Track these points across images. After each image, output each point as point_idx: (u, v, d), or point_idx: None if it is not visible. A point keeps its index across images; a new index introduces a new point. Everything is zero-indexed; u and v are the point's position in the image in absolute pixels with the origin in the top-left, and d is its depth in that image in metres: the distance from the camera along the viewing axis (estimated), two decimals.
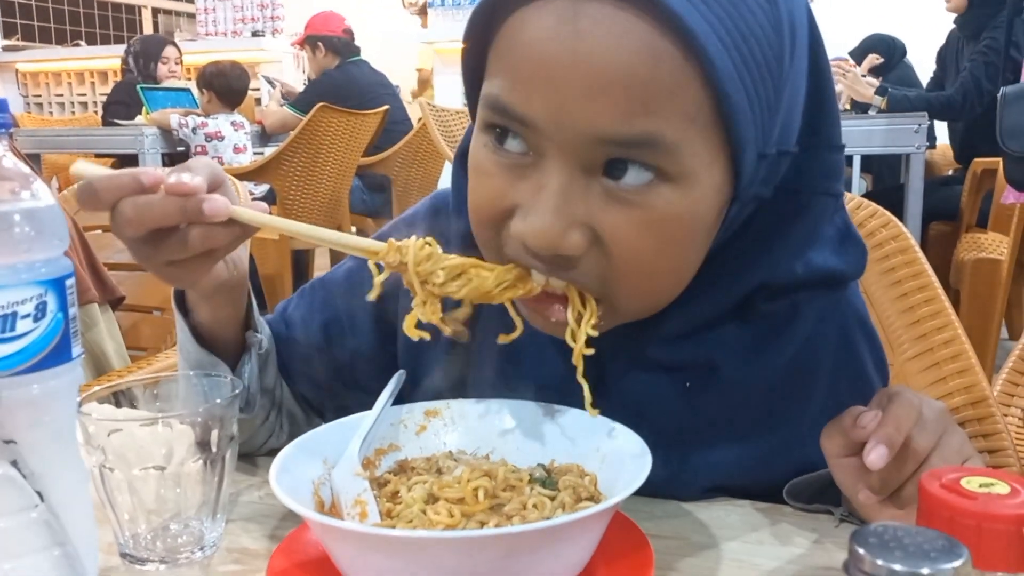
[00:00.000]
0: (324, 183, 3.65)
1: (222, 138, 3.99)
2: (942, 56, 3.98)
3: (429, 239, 0.56)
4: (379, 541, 0.47)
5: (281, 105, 4.75)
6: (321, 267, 4.22)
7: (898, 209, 2.57)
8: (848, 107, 3.73)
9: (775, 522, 0.63)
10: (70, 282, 0.48)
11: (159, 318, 1.73)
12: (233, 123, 4.07)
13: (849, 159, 3.22)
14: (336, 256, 3.96)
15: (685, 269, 0.59)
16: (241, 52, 6.21)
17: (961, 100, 3.31)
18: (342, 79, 4.28)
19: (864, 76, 4.95)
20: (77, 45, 7.98)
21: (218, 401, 0.61)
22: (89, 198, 0.57)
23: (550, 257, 0.55)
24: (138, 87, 4.44)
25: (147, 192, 0.57)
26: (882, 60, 4.89)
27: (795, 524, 0.63)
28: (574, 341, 0.58)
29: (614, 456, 0.58)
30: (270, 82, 5.53)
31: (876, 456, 0.54)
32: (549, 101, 0.52)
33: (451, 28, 5.36)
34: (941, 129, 4.26)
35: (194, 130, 3.94)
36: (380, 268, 0.76)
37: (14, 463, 0.46)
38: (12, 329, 0.46)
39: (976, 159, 3.06)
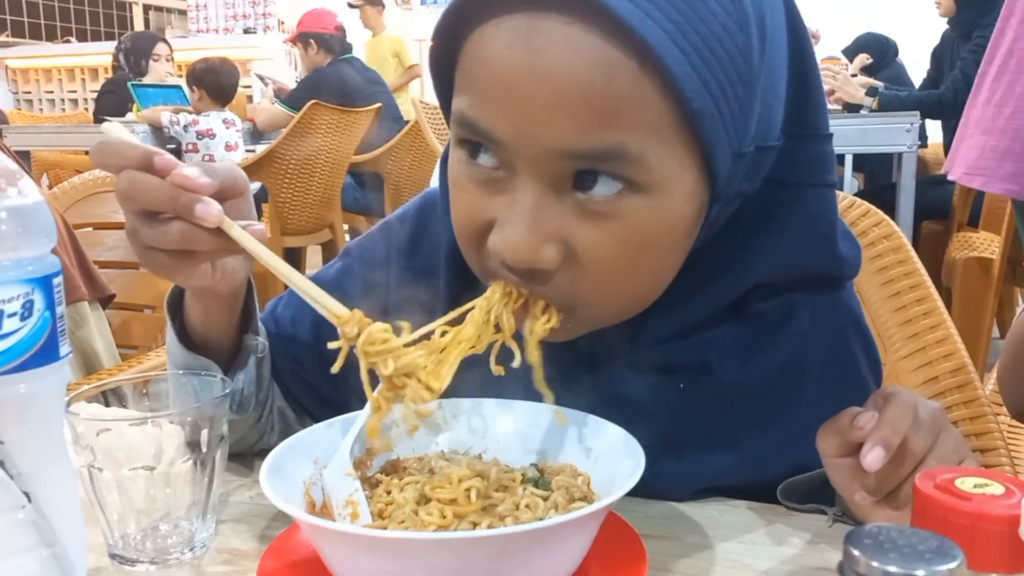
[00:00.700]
0: (316, 180, 3.64)
1: (213, 136, 3.97)
2: (937, 55, 3.99)
3: (386, 327, 0.55)
4: (370, 542, 0.46)
5: (273, 102, 4.74)
6: (313, 264, 4.21)
7: (890, 208, 2.58)
8: (840, 107, 3.74)
9: (769, 522, 0.63)
10: (57, 280, 0.48)
11: (150, 316, 1.72)
12: (224, 120, 4.06)
13: (841, 158, 3.24)
14: (328, 255, 3.96)
15: (661, 275, 0.59)
16: (233, 49, 6.18)
17: (952, 98, 3.31)
18: (334, 76, 4.27)
19: (855, 75, 4.96)
20: (67, 42, 7.95)
21: (208, 401, 0.60)
22: (99, 156, 0.58)
23: (525, 271, 0.55)
24: (129, 84, 4.42)
25: (154, 173, 0.57)
26: (871, 60, 4.90)
27: (789, 524, 0.63)
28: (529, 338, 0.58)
29: (607, 456, 0.58)
30: (262, 79, 5.52)
31: (873, 457, 0.54)
32: (511, 118, 0.52)
33: None
34: (932, 129, 4.27)
35: (185, 127, 3.92)
36: (369, 272, 0.76)
37: (1, 463, 0.45)
38: None
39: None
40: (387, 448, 0.61)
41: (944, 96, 3.35)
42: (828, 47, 5.21)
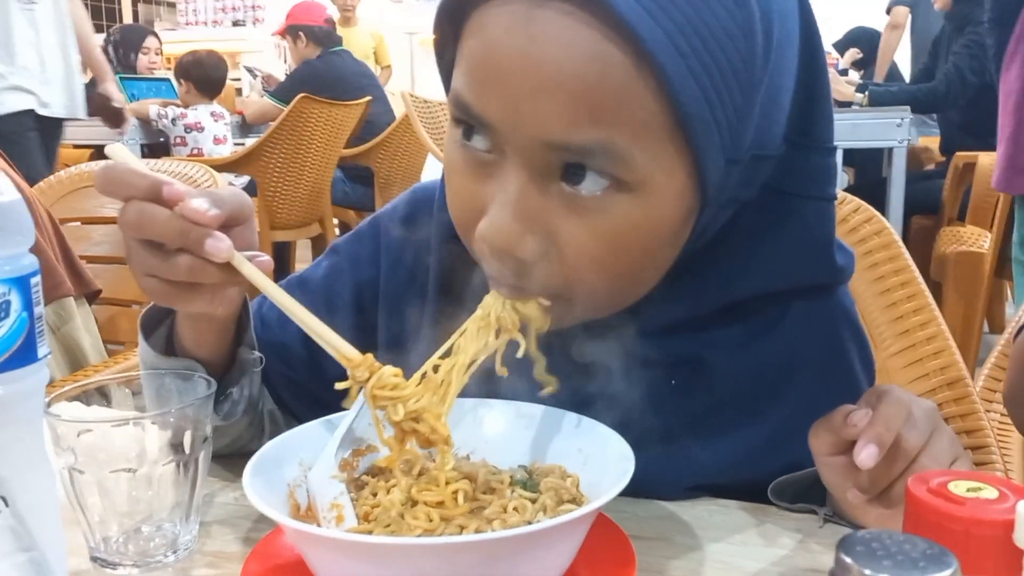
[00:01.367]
0: (306, 174, 3.62)
1: (202, 129, 3.95)
2: (936, 46, 3.99)
3: (397, 371, 0.54)
4: (355, 547, 0.46)
5: (262, 95, 4.71)
6: (303, 260, 4.20)
7: (880, 203, 2.58)
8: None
9: (759, 522, 0.63)
10: (35, 280, 0.47)
11: (136, 312, 1.70)
12: (213, 113, 4.04)
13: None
14: (318, 249, 3.94)
15: (645, 273, 0.58)
16: (222, 42, 6.15)
17: (945, 91, 3.32)
18: (324, 69, 4.24)
19: (847, 71, 4.97)
20: None
21: (191, 402, 0.59)
22: (105, 183, 0.57)
23: (507, 260, 0.54)
24: (117, 77, 4.38)
25: (162, 203, 0.55)
26: (862, 54, 4.91)
27: (779, 524, 0.62)
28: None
29: (597, 457, 0.57)
30: (251, 72, 5.48)
31: (866, 455, 0.53)
32: (502, 103, 0.52)
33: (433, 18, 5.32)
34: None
35: (173, 121, 3.90)
36: (357, 270, 0.76)
37: None
38: None
39: (958, 153, 3.08)
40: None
41: (936, 89, 3.36)
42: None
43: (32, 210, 1.33)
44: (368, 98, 3.92)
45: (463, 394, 0.60)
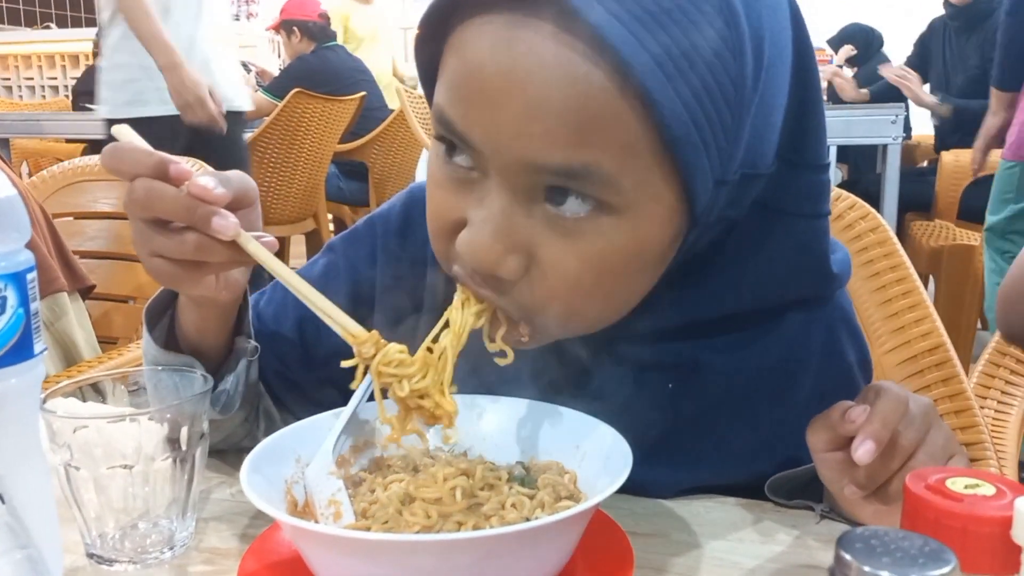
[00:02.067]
0: (300, 170, 3.61)
1: None
2: (925, 43, 3.98)
3: (403, 348, 0.54)
4: (353, 544, 0.46)
5: (256, 90, 4.69)
6: (297, 254, 4.18)
7: (874, 199, 2.58)
8: (824, 97, 3.74)
9: (756, 519, 0.63)
10: (31, 276, 0.47)
11: (131, 307, 1.70)
12: None
13: None
14: (312, 245, 3.93)
15: (627, 296, 0.58)
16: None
17: None
18: (318, 64, 4.23)
19: (841, 67, 4.97)
20: (47, 27, 7.85)
21: (188, 397, 0.59)
22: (112, 161, 0.57)
23: (487, 278, 0.54)
24: None
25: (169, 181, 0.56)
26: (856, 51, 4.90)
27: (776, 521, 0.62)
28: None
29: (594, 453, 0.57)
30: (245, 67, 5.46)
31: (864, 451, 0.53)
32: (485, 123, 0.51)
33: None
34: (916, 120, 4.28)
35: None
36: (353, 270, 0.76)
37: None
38: None
39: (953, 149, 3.08)
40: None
41: None
42: (813, 38, 5.21)
43: (26, 205, 1.32)
44: (362, 93, 3.91)
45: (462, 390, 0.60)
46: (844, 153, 3.96)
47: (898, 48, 4.80)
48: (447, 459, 0.59)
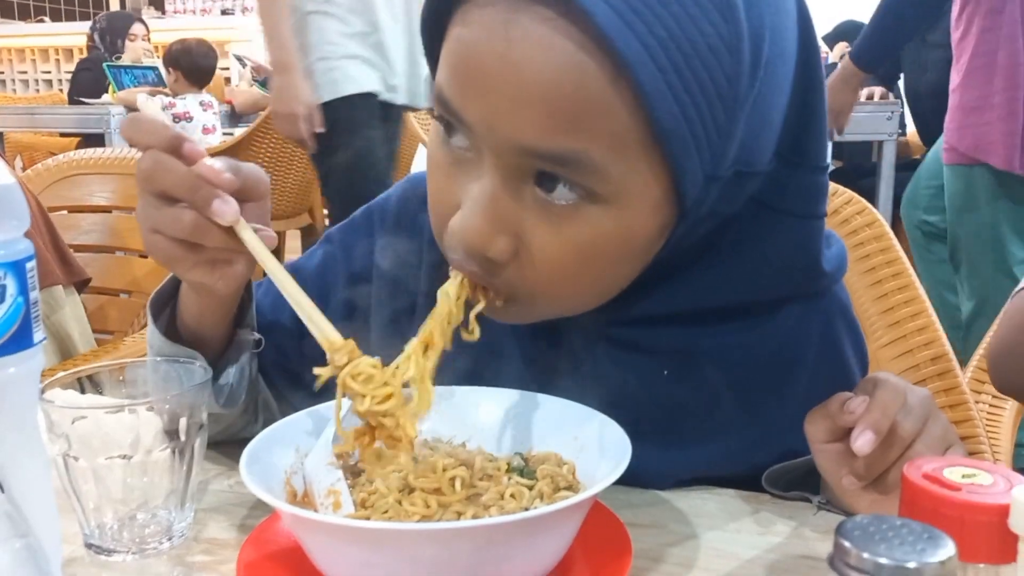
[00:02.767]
0: (295, 164, 3.61)
1: (191, 118, 3.92)
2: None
3: (376, 363, 0.54)
4: (353, 533, 0.46)
5: (251, 84, 4.68)
6: (293, 250, 4.18)
7: (869, 195, 2.59)
8: None
9: (753, 510, 0.63)
10: (31, 265, 0.46)
11: (126, 301, 1.70)
12: (202, 103, 4.01)
13: None
14: (308, 239, 3.92)
15: (613, 281, 0.59)
16: (211, 30, 6.10)
17: None
18: None
19: (835, 63, 4.97)
20: (41, 21, 7.82)
21: (187, 388, 0.59)
22: (130, 130, 0.57)
23: (478, 259, 0.55)
24: (104, 65, 4.35)
25: (181, 158, 0.56)
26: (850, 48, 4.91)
27: (773, 512, 0.63)
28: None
29: (593, 444, 0.57)
30: (240, 60, 5.45)
31: (863, 441, 0.54)
32: (479, 105, 0.52)
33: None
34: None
35: (162, 109, 3.87)
36: (350, 260, 0.76)
37: None
38: None
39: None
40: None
41: None
42: None
43: None
44: None
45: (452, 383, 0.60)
46: (838, 148, 3.96)
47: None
48: (446, 450, 0.59)
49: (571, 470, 0.57)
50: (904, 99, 3.66)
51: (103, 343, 1.56)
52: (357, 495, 0.54)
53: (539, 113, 0.50)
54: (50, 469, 0.53)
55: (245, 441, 0.54)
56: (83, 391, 0.61)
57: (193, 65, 4.01)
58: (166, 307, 0.68)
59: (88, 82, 4.65)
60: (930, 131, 3.42)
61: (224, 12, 7.02)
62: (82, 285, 1.51)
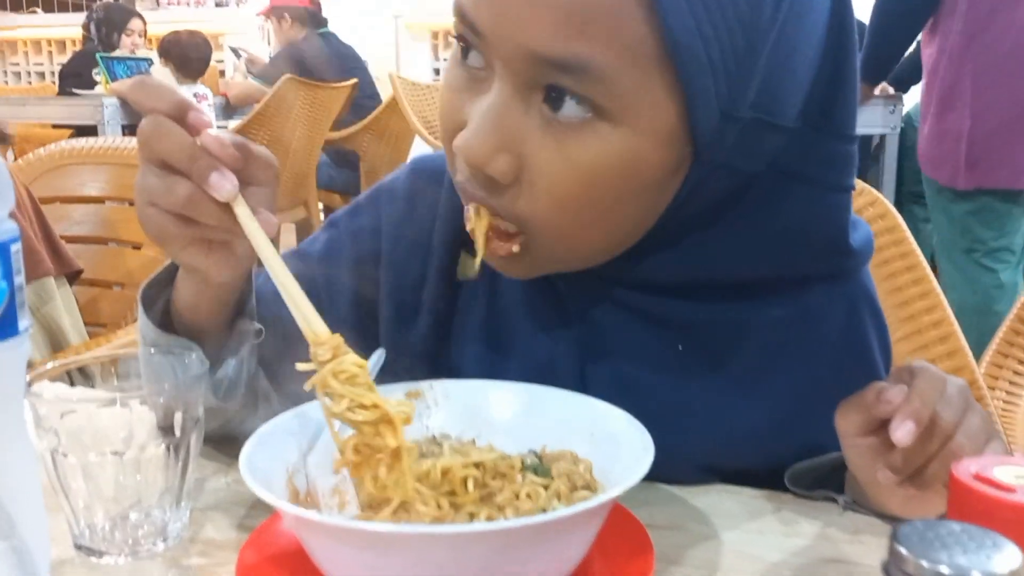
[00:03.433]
0: (291, 157, 3.58)
1: None
2: None
3: (362, 363, 0.51)
4: (361, 536, 0.43)
5: (246, 77, 4.64)
6: (288, 244, 4.14)
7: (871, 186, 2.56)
8: None
9: (776, 510, 0.60)
10: (16, 247, 0.43)
11: (119, 293, 1.67)
12: (196, 95, 3.97)
13: None
14: (303, 233, 3.89)
15: (620, 223, 0.57)
16: (205, 22, 6.06)
17: None
18: (309, 51, 4.18)
19: None
20: (33, 12, 7.75)
21: (183, 380, 0.56)
22: (136, 91, 0.55)
23: (481, 179, 0.54)
24: (98, 56, 4.30)
25: (185, 127, 0.54)
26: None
27: (797, 511, 0.60)
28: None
29: (609, 440, 0.55)
30: (235, 53, 5.40)
31: (904, 432, 0.51)
32: (493, 9, 0.52)
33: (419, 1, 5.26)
34: None
35: None
36: (358, 243, 0.73)
37: None
38: None
39: None
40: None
41: None
42: None
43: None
44: (354, 80, 3.87)
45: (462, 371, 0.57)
46: None
47: None
48: (455, 446, 0.56)
49: (588, 468, 0.54)
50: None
51: (95, 336, 1.53)
52: (363, 494, 0.51)
53: (549, 17, 0.49)
54: (37, 466, 0.50)
55: (242, 436, 0.52)
56: (72, 383, 0.58)
57: (183, 56, 3.98)
58: (158, 298, 0.65)
59: (81, 72, 4.59)
60: None
61: (218, 4, 6.97)
62: (74, 277, 1.49)
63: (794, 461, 0.63)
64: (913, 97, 3.35)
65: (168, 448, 0.55)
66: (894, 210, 1.08)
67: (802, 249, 0.61)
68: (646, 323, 0.63)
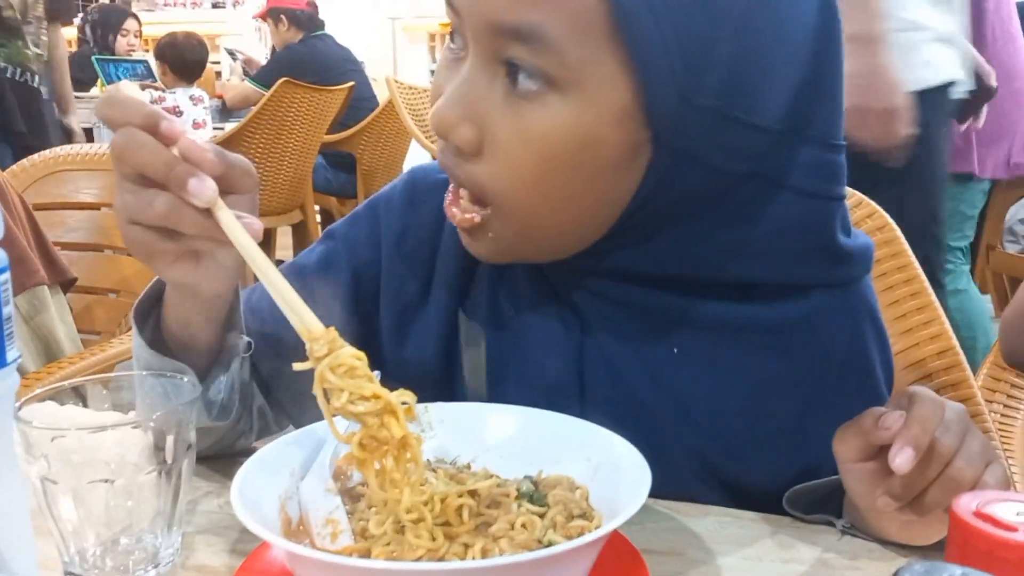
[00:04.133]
0: (287, 160, 3.57)
1: (180, 113, 3.88)
2: None
3: (360, 355, 0.50)
4: (354, 573, 0.42)
5: (243, 79, 4.63)
6: (284, 247, 4.13)
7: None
8: None
9: (774, 534, 0.60)
10: (3, 277, 0.43)
11: (113, 301, 1.66)
12: (192, 97, 3.96)
13: None
14: (299, 236, 3.88)
15: (583, 205, 0.58)
16: (201, 24, 6.05)
17: None
18: (306, 53, 4.18)
19: None
20: None
21: (175, 406, 0.55)
22: (105, 107, 0.55)
23: (451, 148, 0.58)
24: (93, 59, 4.29)
25: (158, 137, 0.53)
26: None
27: (795, 536, 0.59)
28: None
29: (607, 466, 0.54)
30: (232, 55, 5.40)
31: (904, 459, 0.50)
32: None
33: (416, 3, 5.25)
34: None
35: (150, 103, 3.82)
36: (356, 253, 0.73)
37: None
38: None
39: None
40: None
41: None
42: None
43: (4, 196, 1.28)
44: (351, 83, 3.86)
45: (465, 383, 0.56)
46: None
47: None
48: (450, 472, 0.55)
49: (584, 495, 0.53)
50: None
51: (90, 344, 1.52)
52: (356, 524, 0.51)
53: None
54: (26, 491, 0.49)
55: (237, 456, 0.51)
56: (63, 403, 0.57)
57: (179, 58, 3.97)
58: (150, 315, 0.65)
59: (75, 74, 4.58)
60: None
61: (215, 5, 6.96)
62: (68, 284, 1.47)
63: (793, 477, 0.62)
64: None
65: (160, 473, 0.54)
66: (892, 222, 1.07)
67: (791, 254, 0.61)
68: (641, 330, 0.64)
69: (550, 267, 0.65)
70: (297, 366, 0.50)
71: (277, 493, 0.52)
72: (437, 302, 0.69)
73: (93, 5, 5.44)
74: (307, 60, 4.11)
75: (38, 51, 2.81)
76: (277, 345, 0.70)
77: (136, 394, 0.59)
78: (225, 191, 0.54)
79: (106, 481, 0.52)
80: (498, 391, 0.66)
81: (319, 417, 0.56)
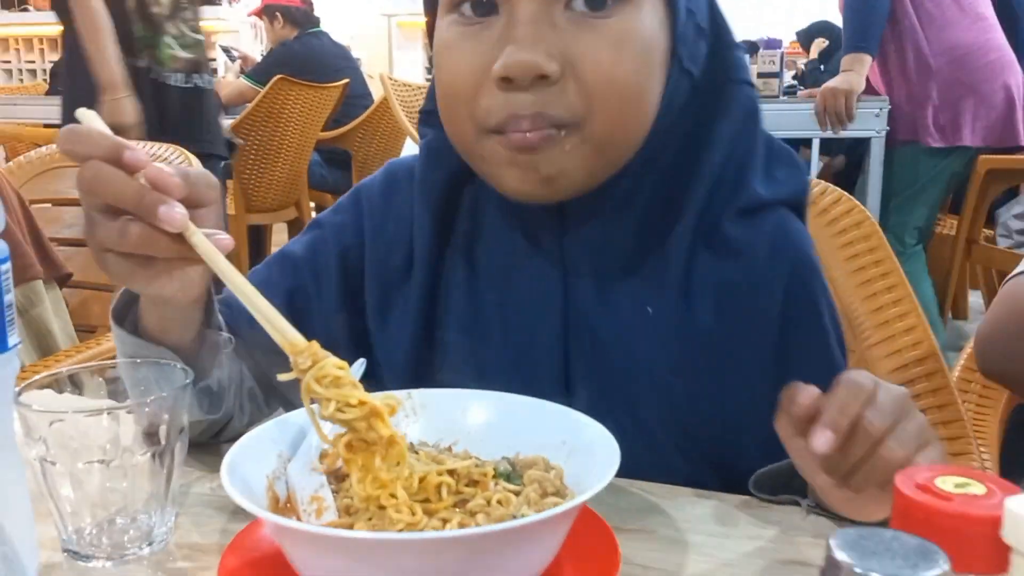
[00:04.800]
0: (282, 157, 3.58)
1: None
2: None
3: (343, 364, 0.52)
4: (336, 542, 0.45)
5: (238, 76, 4.64)
6: (279, 244, 4.15)
7: (854, 190, 2.59)
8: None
9: (742, 514, 0.62)
10: (4, 267, 0.45)
11: (109, 296, 1.67)
12: None
13: (809, 142, 3.24)
14: (294, 233, 3.89)
15: (650, 96, 0.65)
16: None
17: None
18: (301, 50, 4.19)
19: (814, 59, 4.96)
20: (25, 10, 7.73)
21: (167, 391, 0.58)
22: (67, 142, 0.55)
23: (531, 82, 0.60)
24: None
25: (122, 167, 0.54)
26: (828, 43, 4.91)
27: (761, 517, 0.62)
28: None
29: (581, 448, 0.57)
30: (227, 52, 5.41)
31: (822, 441, 0.52)
32: None
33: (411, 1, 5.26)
34: None
35: None
36: (342, 237, 0.76)
37: None
38: None
39: None
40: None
41: None
42: (781, 32, 5.17)
43: (0, 192, 1.29)
44: (346, 80, 3.87)
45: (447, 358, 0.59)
46: (827, 146, 3.94)
47: None
48: (431, 454, 0.58)
49: (559, 475, 0.56)
50: None
51: (85, 339, 1.54)
52: (341, 501, 0.53)
53: None
54: (26, 473, 0.52)
55: (227, 440, 0.53)
56: (61, 391, 0.60)
57: None
58: (126, 318, 0.66)
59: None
60: None
61: (210, 2, 6.96)
62: (63, 280, 1.49)
63: (746, 435, 0.67)
64: None
65: (153, 456, 0.56)
66: (871, 217, 1.10)
67: (739, 142, 0.69)
68: (621, 291, 0.70)
69: (544, 216, 0.70)
70: (282, 377, 0.52)
71: (265, 473, 0.54)
72: (417, 280, 0.73)
73: None
74: (302, 57, 4.12)
75: (198, 36, 2.58)
76: (258, 336, 0.72)
77: (127, 381, 0.61)
78: (192, 207, 0.55)
79: (101, 462, 0.55)
80: (481, 354, 0.72)
81: None
